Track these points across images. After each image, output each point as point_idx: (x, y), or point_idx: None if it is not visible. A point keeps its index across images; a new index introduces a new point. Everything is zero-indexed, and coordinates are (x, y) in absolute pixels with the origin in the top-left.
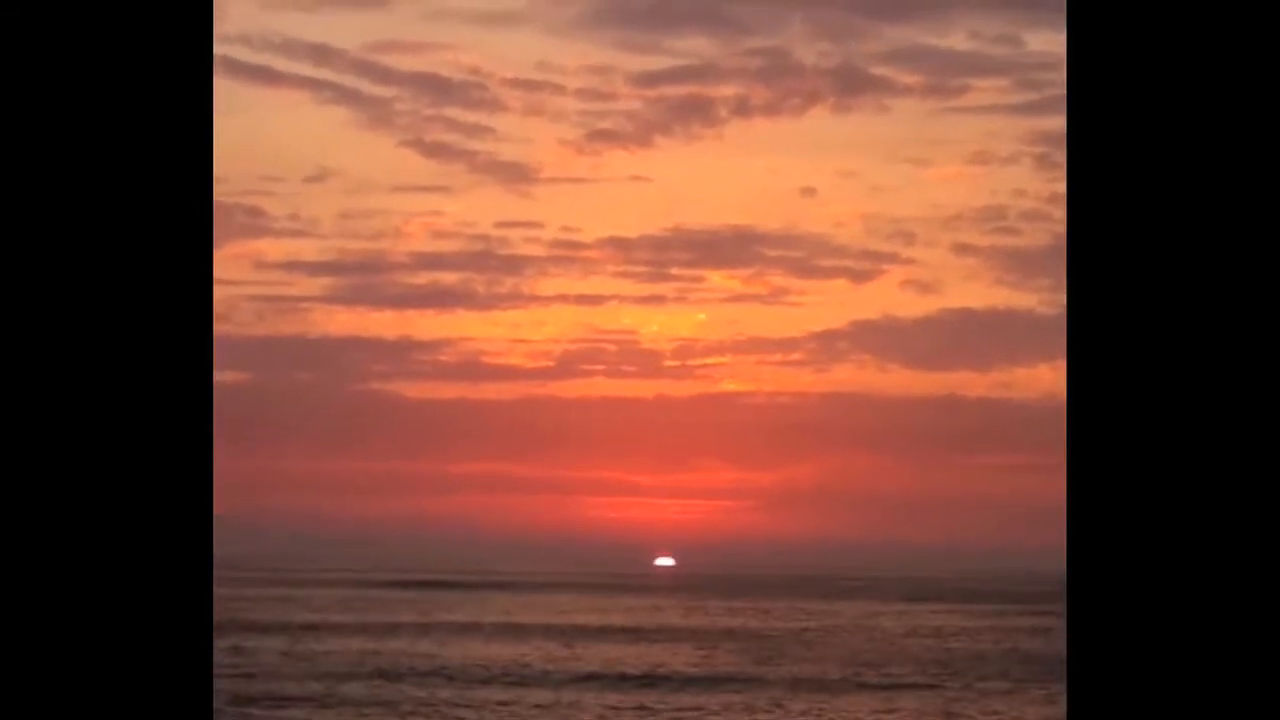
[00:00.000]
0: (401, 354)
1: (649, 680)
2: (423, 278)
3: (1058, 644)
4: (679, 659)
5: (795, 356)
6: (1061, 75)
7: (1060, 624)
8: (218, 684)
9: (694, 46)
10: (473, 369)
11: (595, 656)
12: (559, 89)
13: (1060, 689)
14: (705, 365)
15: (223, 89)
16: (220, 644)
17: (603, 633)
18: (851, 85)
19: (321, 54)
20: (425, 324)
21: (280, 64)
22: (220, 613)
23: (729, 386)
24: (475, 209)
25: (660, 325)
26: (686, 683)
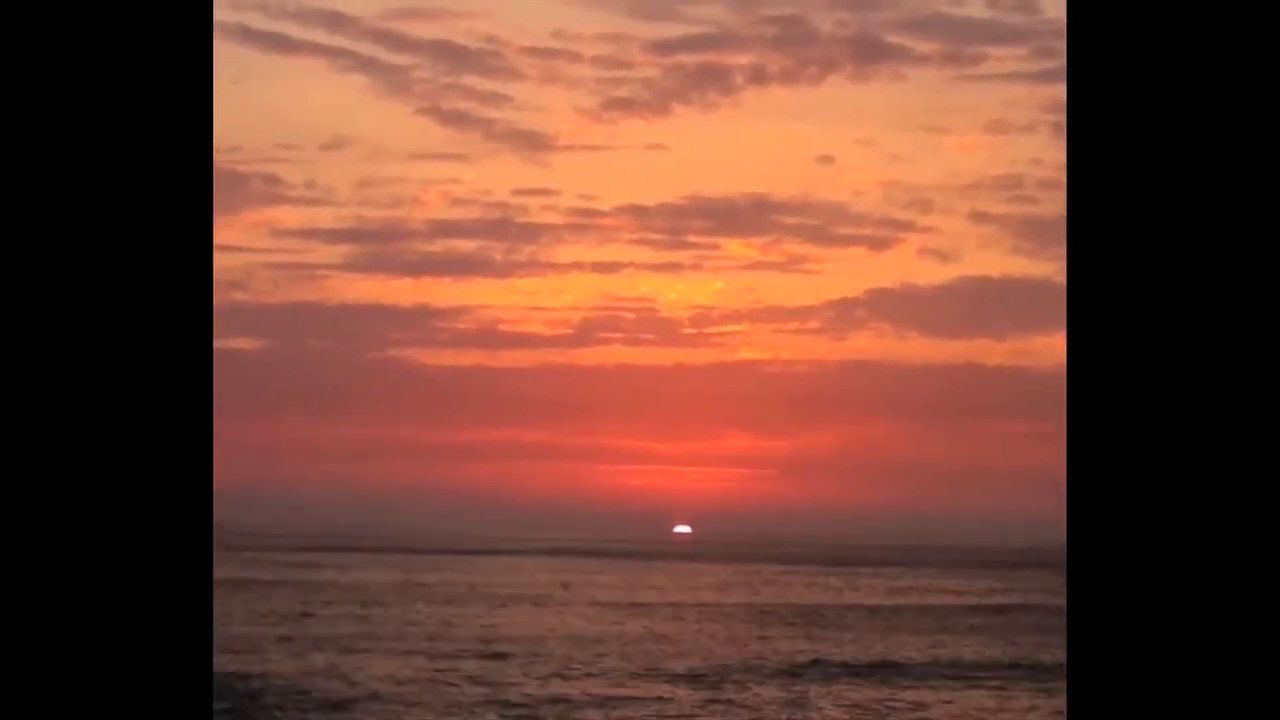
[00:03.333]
0: (419, 322)
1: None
2: (440, 245)
3: None
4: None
5: (812, 325)
6: None
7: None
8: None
9: (710, 14)
10: (491, 337)
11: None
12: (575, 57)
13: None
14: (722, 333)
15: (239, 57)
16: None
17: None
18: (869, 54)
19: (338, 21)
20: (443, 292)
21: (296, 31)
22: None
23: (746, 354)
24: (492, 177)
25: (678, 293)
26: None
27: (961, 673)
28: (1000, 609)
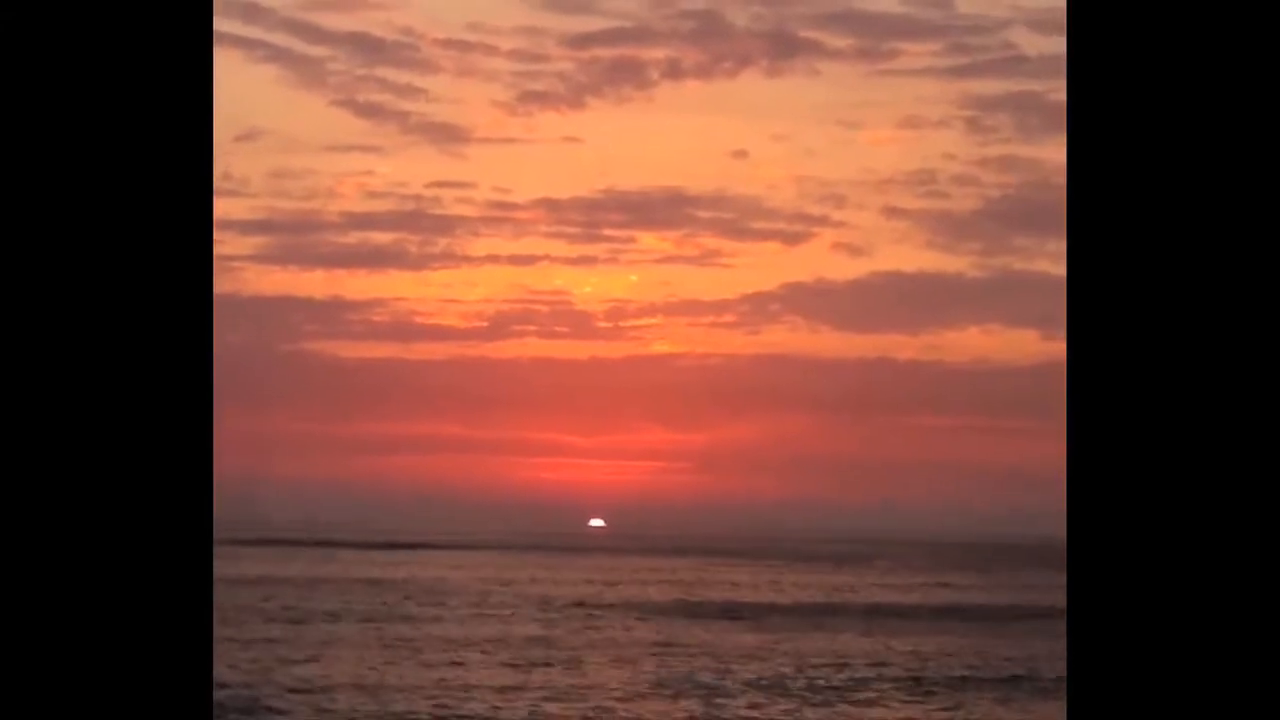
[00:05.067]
0: (333, 314)
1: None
2: (354, 237)
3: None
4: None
5: (727, 318)
6: (992, 39)
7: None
8: None
9: (625, 8)
10: (405, 329)
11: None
12: (491, 50)
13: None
14: (637, 326)
15: None
16: None
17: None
18: (784, 49)
19: (252, 12)
20: (357, 284)
21: (214, 23)
22: None
23: (661, 348)
24: (407, 169)
25: (592, 286)
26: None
27: (914, 676)
28: (938, 608)
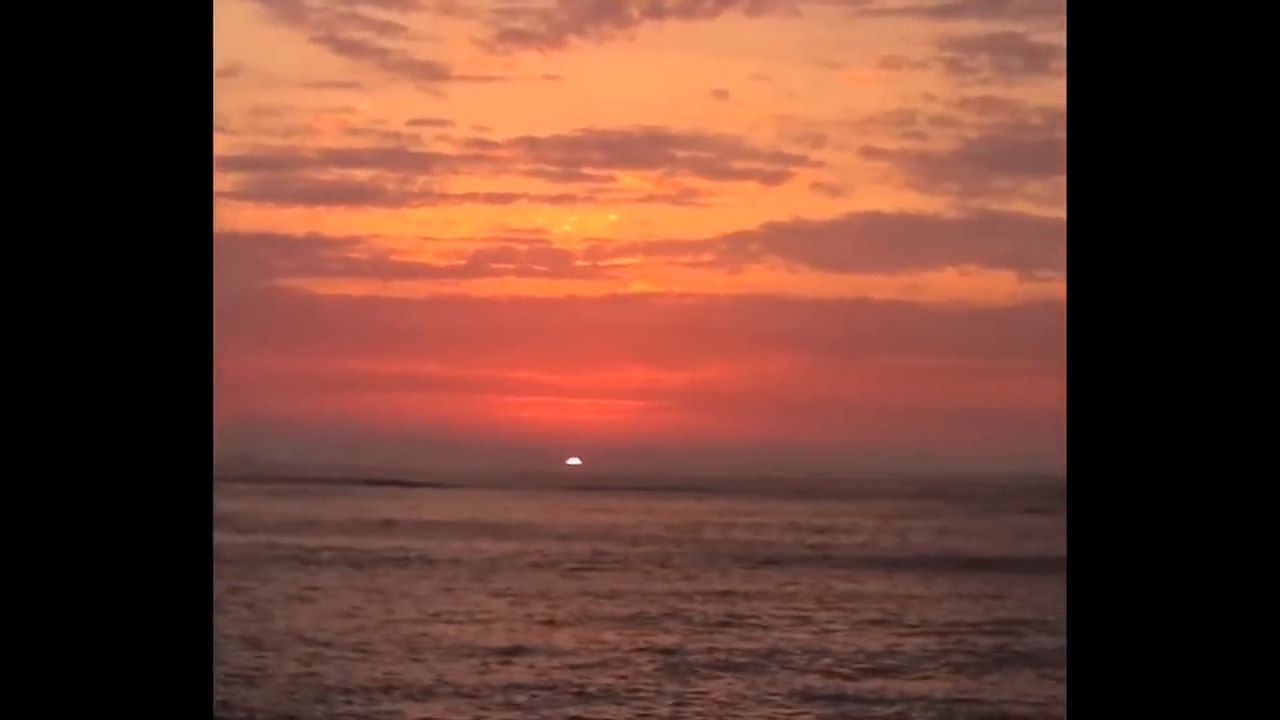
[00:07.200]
0: (311, 251)
1: None
2: (333, 175)
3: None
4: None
5: (706, 258)
6: None
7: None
8: None
9: None
10: (383, 267)
11: None
12: None
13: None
14: (616, 265)
15: None
16: None
17: None
18: None
19: None
20: (335, 221)
21: None
22: None
23: (639, 287)
24: (387, 107)
25: (571, 225)
26: None
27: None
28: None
